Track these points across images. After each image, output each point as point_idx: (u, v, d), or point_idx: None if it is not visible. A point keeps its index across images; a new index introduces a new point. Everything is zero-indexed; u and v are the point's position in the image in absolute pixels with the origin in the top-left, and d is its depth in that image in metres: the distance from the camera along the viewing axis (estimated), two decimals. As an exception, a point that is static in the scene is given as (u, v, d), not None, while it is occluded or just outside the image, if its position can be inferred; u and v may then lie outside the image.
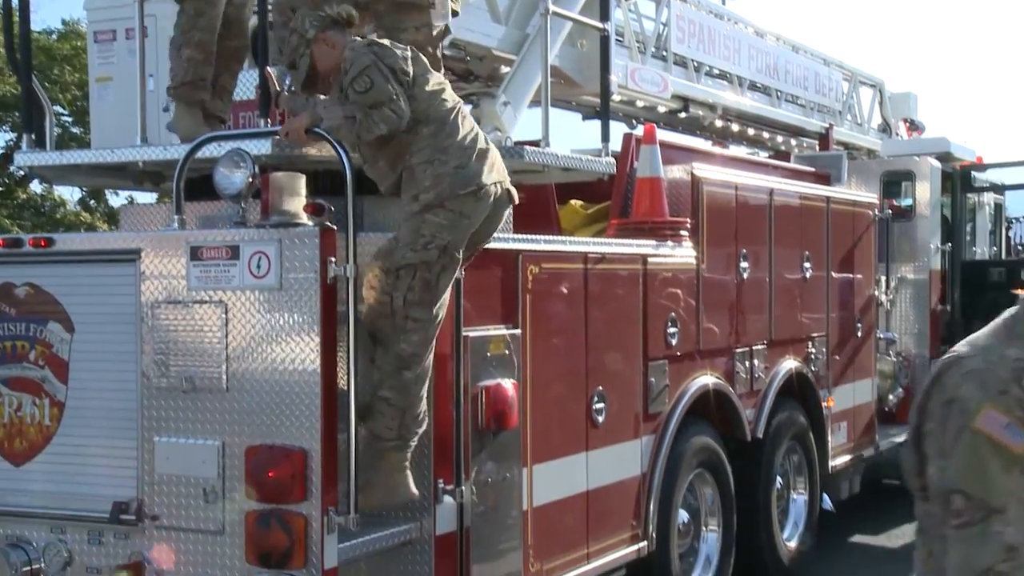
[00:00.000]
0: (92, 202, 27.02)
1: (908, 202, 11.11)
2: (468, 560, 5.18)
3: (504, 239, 5.43)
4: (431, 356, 4.84)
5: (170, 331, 4.77)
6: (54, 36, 25.88)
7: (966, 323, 11.46)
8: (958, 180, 11.73)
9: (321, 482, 4.50)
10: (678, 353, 6.97)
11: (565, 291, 6.02)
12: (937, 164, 11.34)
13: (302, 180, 4.87)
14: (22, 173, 21.13)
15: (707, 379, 7.27)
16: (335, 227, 4.69)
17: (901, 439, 10.54)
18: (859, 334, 9.66)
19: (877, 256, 10.21)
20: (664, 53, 9.04)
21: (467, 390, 5.16)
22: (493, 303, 5.48)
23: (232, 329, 4.66)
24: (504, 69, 7.11)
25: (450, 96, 4.87)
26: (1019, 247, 14.60)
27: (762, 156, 10.76)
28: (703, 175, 7.40)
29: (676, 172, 7.29)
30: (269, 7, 5.25)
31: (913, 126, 13.44)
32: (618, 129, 7.93)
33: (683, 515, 7.06)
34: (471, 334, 5.20)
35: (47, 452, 5.07)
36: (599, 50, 6.81)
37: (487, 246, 5.14)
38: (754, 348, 7.86)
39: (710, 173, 7.53)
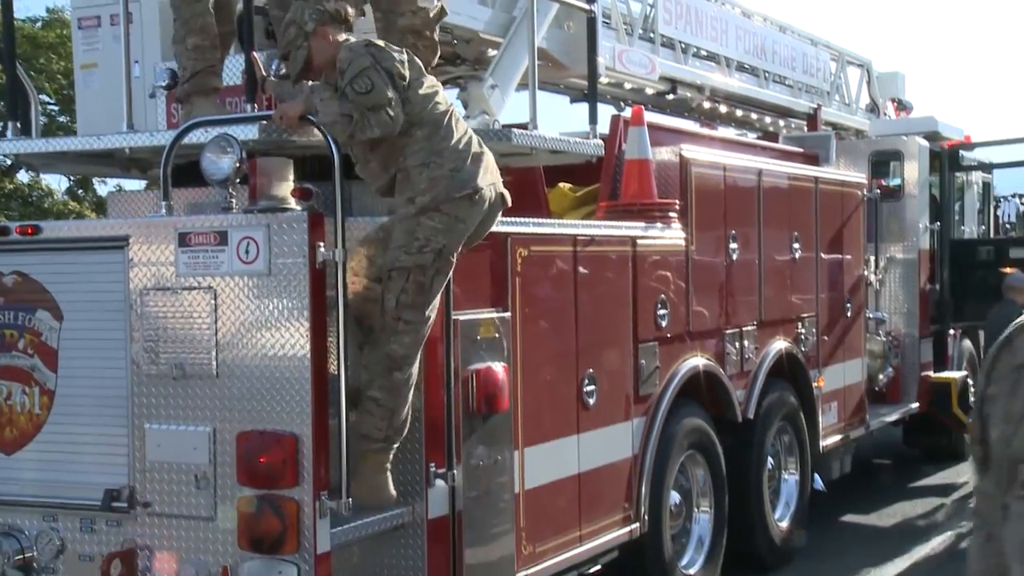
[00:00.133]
0: (80, 191, 26.91)
1: (896, 182, 11.12)
2: (461, 543, 5.19)
3: (493, 222, 5.41)
4: (419, 361, 4.83)
5: (159, 318, 4.76)
6: (38, 24, 25.72)
7: (955, 302, 11.52)
8: (946, 159, 11.74)
9: (312, 467, 4.51)
10: (668, 335, 6.98)
11: (554, 274, 6.02)
12: (925, 143, 11.35)
13: (290, 165, 4.86)
14: (9, 163, 21.02)
15: (697, 360, 7.28)
16: (323, 212, 4.68)
17: (891, 419, 10.60)
18: (849, 314, 9.69)
19: (866, 236, 10.23)
20: (651, 35, 9.02)
21: (457, 374, 5.16)
22: (483, 286, 5.48)
23: (221, 315, 4.66)
24: (491, 52, 7.09)
25: (443, 99, 4.89)
26: (1007, 225, 14.66)
27: (750, 137, 10.76)
28: (691, 157, 7.40)
29: (664, 154, 7.29)
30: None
31: (901, 106, 13.44)
32: (606, 111, 7.93)
33: (675, 496, 7.07)
34: (461, 317, 5.20)
35: (38, 440, 5.07)
36: (586, 32, 6.79)
37: (477, 233, 5.12)
38: (744, 329, 7.88)
39: (698, 155, 7.53)
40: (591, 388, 6.22)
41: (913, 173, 11.07)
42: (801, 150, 9.81)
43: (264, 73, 5.09)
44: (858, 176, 10.30)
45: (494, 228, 5.36)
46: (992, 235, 13.64)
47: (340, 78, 4.64)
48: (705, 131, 9.13)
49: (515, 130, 5.93)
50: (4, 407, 5.12)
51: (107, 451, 4.90)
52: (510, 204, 5.07)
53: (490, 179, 4.87)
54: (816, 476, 8.96)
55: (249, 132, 4.94)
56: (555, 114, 9.72)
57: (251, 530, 4.54)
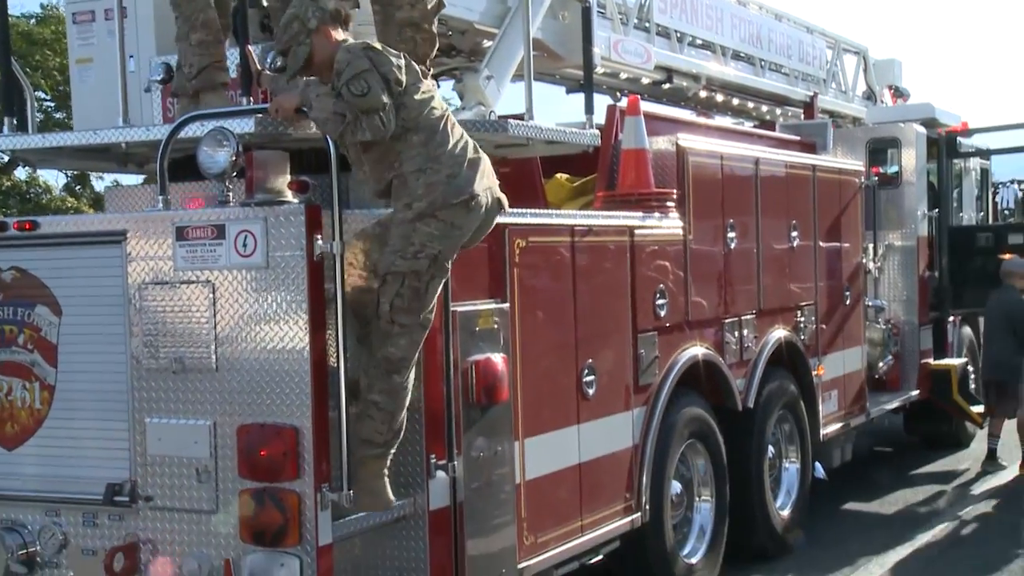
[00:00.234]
0: (78, 187, 26.90)
1: (894, 169, 11.11)
2: (462, 534, 5.20)
3: (491, 213, 5.41)
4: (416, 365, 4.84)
5: (158, 312, 4.77)
6: (33, 21, 25.68)
7: (954, 289, 11.52)
8: (944, 146, 11.74)
9: (313, 459, 4.51)
10: (667, 324, 6.98)
11: (553, 264, 6.02)
12: (922, 130, 11.34)
13: (286, 158, 4.86)
14: (6, 159, 21.01)
15: (697, 350, 7.28)
16: (320, 204, 4.68)
17: (892, 406, 10.61)
18: (848, 302, 9.69)
19: (864, 224, 10.23)
20: (647, 24, 9.01)
21: (457, 365, 5.16)
22: (481, 278, 5.48)
23: (220, 308, 4.66)
24: (486, 43, 7.08)
25: (439, 104, 4.87)
26: (1006, 211, 14.65)
27: (747, 126, 10.75)
28: (688, 146, 7.40)
29: (661, 143, 7.29)
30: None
31: (898, 93, 13.43)
32: (602, 102, 7.94)
33: (676, 486, 7.08)
34: (459, 309, 5.20)
35: (39, 436, 5.07)
36: (581, 22, 6.79)
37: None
38: (743, 318, 7.88)
39: (695, 144, 7.53)
40: (591, 378, 6.22)
41: (911, 160, 11.06)
42: (798, 138, 9.81)
43: (259, 67, 5.08)
44: (855, 164, 10.30)
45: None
46: (991, 221, 13.63)
47: (337, 79, 4.63)
48: (702, 120, 9.11)
49: (511, 121, 5.93)
50: (5, 403, 5.13)
51: (108, 445, 4.91)
52: (507, 208, 5.07)
53: (486, 184, 4.87)
54: (817, 464, 8.96)
55: (245, 125, 4.94)
56: (551, 105, 9.69)
57: (253, 523, 4.55)
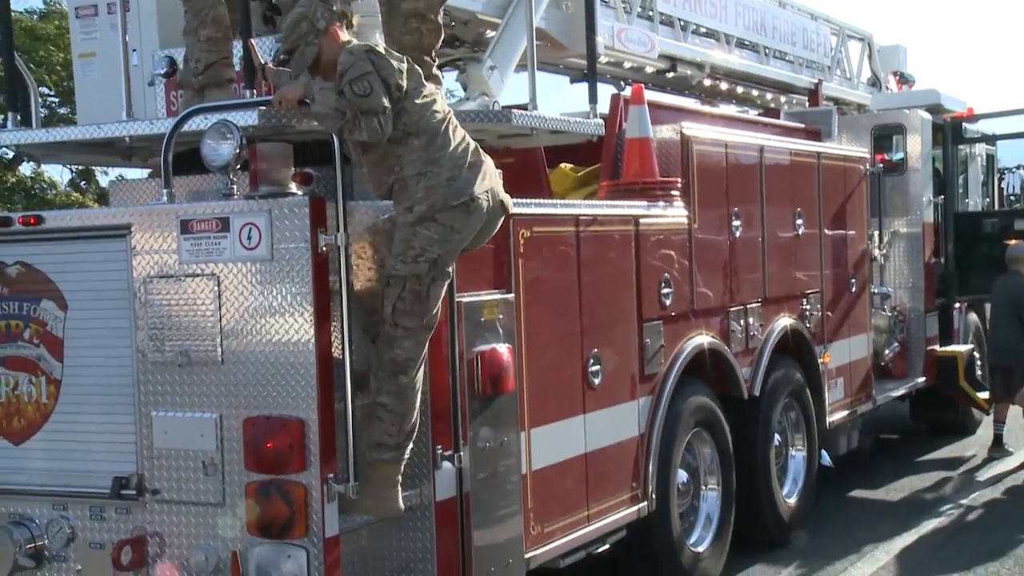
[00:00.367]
0: (83, 183, 26.91)
1: (899, 156, 11.09)
2: (469, 525, 5.20)
3: (495, 204, 5.40)
4: (423, 364, 4.84)
5: (163, 305, 4.77)
6: (36, 16, 25.67)
7: (960, 275, 11.50)
8: (949, 132, 11.70)
9: (319, 451, 4.52)
10: (672, 313, 6.98)
11: (557, 254, 6.02)
12: (928, 116, 11.31)
13: (290, 150, 4.85)
14: (11, 155, 21.02)
15: (702, 338, 7.28)
16: (324, 196, 4.68)
17: (898, 393, 10.60)
18: (853, 289, 9.68)
19: (869, 211, 10.21)
20: (650, 13, 8.99)
21: (462, 356, 5.16)
22: (485, 268, 5.48)
23: (225, 301, 4.66)
24: (489, 33, 7.07)
25: (441, 108, 4.87)
26: (1011, 197, 14.62)
27: (751, 114, 10.72)
28: (693, 134, 7.38)
29: (665, 132, 7.27)
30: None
31: (903, 79, 13.39)
32: (606, 91, 7.91)
33: (682, 475, 7.08)
34: (464, 299, 5.20)
35: (46, 430, 5.09)
36: (584, 11, 6.77)
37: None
38: (748, 306, 7.87)
39: (700, 132, 7.51)
40: (596, 368, 6.22)
41: (916, 147, 11.03)
42: (803, 126, 9.78)
43: (262, 60, 5.07)
44: (861, 151, 10.28)
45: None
46: (996, 207, 13.60)
47: (339, 79, 4.64)
48: (706, 108, 9.10)
49: (515, 111, 5.92)
50: (11, 397, 5.14)
51: (115, 439, 4.92)
52: (511, 210, 5.06)
53: (487, 186, 4.87)
54: (823, 452, 8.96)
55: (248, 118, 4.93)
56: (555, 94, 9.71)
57: (259, 515, 4.55)
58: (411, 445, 4.81)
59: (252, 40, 5.09)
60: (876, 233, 10.55)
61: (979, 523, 8.94)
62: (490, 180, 4.90)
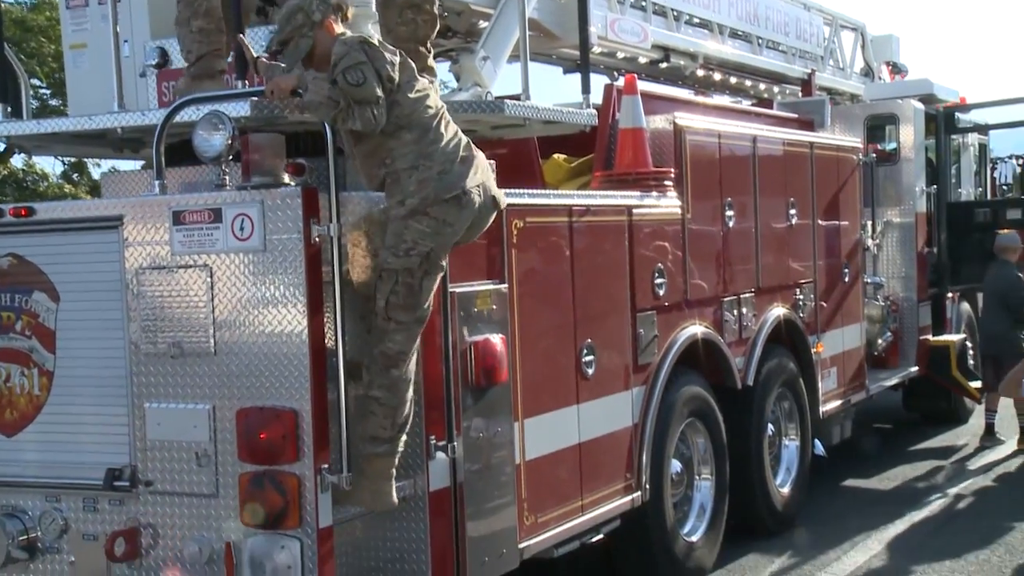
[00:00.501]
0: (75, 175, 26.84)
1: (892, 146, 11.09)
2: (462, 515, 5.21)
3: (488, 194, 5.40)
4: (415, 357, 4.83)
5: (156, 297, 4.76)
6: (26, 7, 25.56)
7: (953, 265, 11.52)
8: (942, 122, 11.72)
9: (313, 442, 4.52)
10: (666, 303, 6.98)
11: (551, 245, 6.02)
12: (920, 106, 11.32)
13: (282, 141, 4.84)
14: (2, 147, 20.95)
15: (696, 328, 7.29)
16: (317, 187, 4.67)
17: (891, 383, 10.62)
18: (846, 279, 9.69)
19: (862, 201, 10.22)
20: (643, 3, 8.97)
21: (456, 346, 5.16)
22: (479, 258, 5.48)
23: (218, 292, 4.65)
24: (482, 24, 7.05)
25: (433, 102, 4.87)
26: (1004, 187, 14.64)
27: (745, 104, 10.73)
28: (686, 124, 7.38)
29: (658, 122, 7.27)
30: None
31: (896, 69, 13.40)
32: (599, 81, 7.90)
33: (676, 465, 7.10)
34: (458, 290, 5.20)
35: (38, 422, 5.07)
36: (577, 1, 6.76)
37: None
38: (742, 296, 7.88)
39: (693, 122, 7.51)
40: (590, 358, 6.23)
41: (909, 136, 11.05)
42: (796, 116, 9.78)
43: (254, 53, 5.05)
44: (854, 141, 10.29)
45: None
46: (989, 197, 13.62)
47: (333, 68, 4.63)
48: (699, 99, 9.10)
49: (508, 101, 5.91)
50: (4, 389, 5.13)
51: (108, 431, 4.91)
52: (504, 206, 5.06)
53: (479, 180, 4.86)
54: (816, 441, 8.99)
55: (241, 109, 4.93)
56: (548, 85, 9.70)
57: (253, 506, 4.55)
58: (404, 437, 4.82)
59: (242, 35, 5.06)
60: (869, 223, 10.56)
61: (971, 511, 8.97)
62: (482, 175, 4.90)
